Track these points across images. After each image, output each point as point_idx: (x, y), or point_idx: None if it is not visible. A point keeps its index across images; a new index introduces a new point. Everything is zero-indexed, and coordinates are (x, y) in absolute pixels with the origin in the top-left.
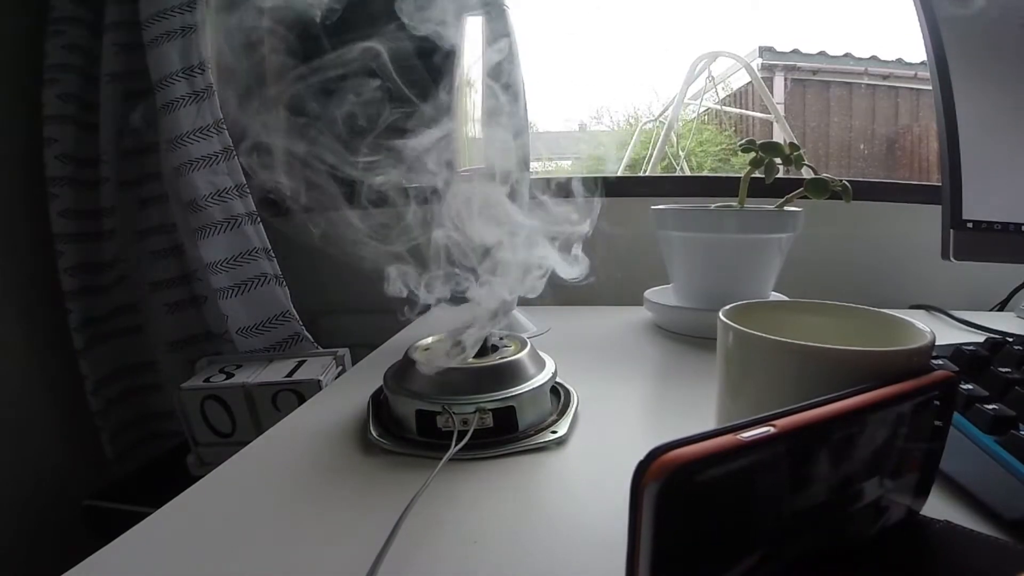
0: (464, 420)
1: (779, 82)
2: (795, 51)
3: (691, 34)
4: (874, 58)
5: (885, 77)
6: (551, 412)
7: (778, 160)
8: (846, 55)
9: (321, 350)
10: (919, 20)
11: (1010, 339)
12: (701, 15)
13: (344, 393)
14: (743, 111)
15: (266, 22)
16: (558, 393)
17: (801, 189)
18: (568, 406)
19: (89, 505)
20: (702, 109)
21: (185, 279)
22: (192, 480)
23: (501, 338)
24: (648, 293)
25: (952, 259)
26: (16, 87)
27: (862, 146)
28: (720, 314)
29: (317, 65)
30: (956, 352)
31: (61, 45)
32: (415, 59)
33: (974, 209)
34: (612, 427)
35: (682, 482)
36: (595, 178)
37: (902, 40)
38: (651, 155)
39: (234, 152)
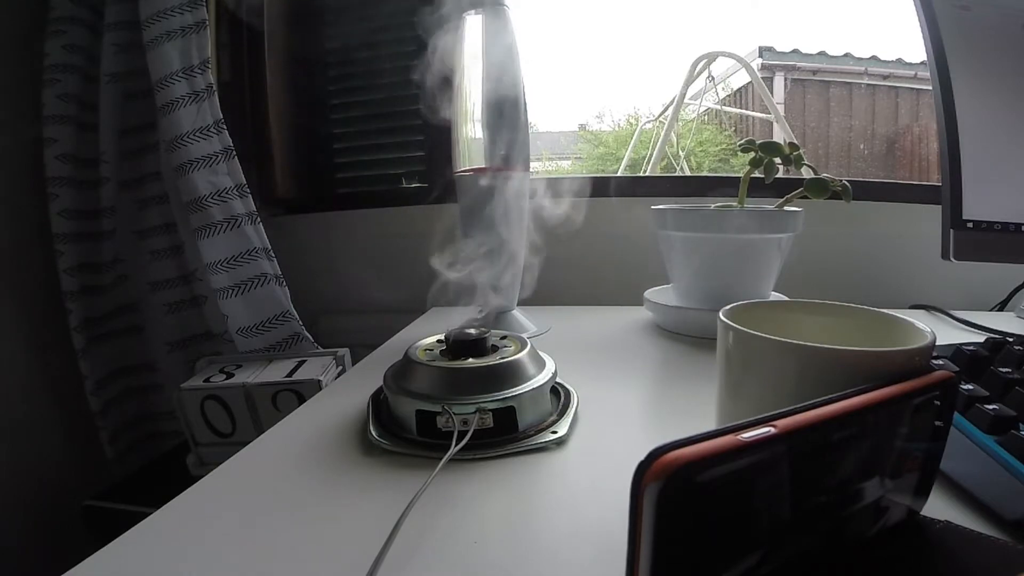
0: (464, 420)
1: (779, 82)
2: (795, 51)
3: (691, 34)
4: (874, 58)
5: (885, 77)
6: (551, 412)
7: (778, 160)
8: (846, 55)
9: (321, 350)
10: (919, 20)
11: (1010, 339)
12: (701, 15)
13: (344, 393)
14: (743, 111)
15: None
16: (558, 393)
17: (801, 189)
18: (568, 406)
19: (89, 505)
20: (702, 109)
21: (185, 279)
22: (192, 480)
23: (502, 338)
24: (648, 293)
25: (952, 259)
26: (16, 87)
27: (862, 146)
28: (720, 314)
29: None
30: (956, 352)
31: (61, 45)
32: None
33: (974, 209)
34: (612, 427)
35: (682, 483)
36: (595, 178)
37: (902, 40)
38: (651, 155)
39: (234, 152)
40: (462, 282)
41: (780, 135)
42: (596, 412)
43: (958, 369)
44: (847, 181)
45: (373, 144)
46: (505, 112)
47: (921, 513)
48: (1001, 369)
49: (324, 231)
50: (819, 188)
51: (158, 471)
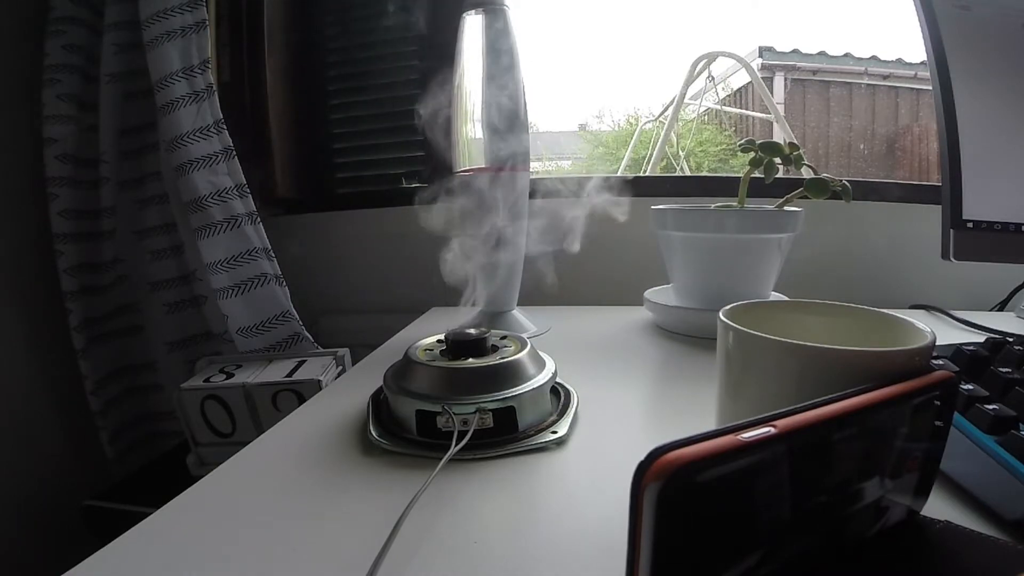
0: (464, 420)
1: (779, 82)
2: (795, 51)
3: (691, 34)
4: (874, 58)
5: (885, 77)
6: (551, 412)
7: (778, 160)
8: (846, 55)
9: (321, 350)
10: (919, 20)
11: (1010, 339)
12: (701, 15)
13: (344, 393)
14: (743, 111)
15: None
16: (558, 393)
17: (801, 189)
18: (568, 406)
19: (89, 505)
20: (702, 109)
21: (185, 279)
22: (192, 480)
23: (502, 338)
24: (648, 293)
25: (952, 259)
26: (16, 87)
27: (862, 146)
28: (720, 314)
29: None
30: (956, 352)
31: (61, 45)
32: None
33: (974, 209)
34: (612, 427)
35: (682, 483)
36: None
37: (902, 40)
38: (651, 155)
39: (234, 152)
40: (462, 282)
41: (780, 135)
42: (596, 412)
43: (958, 369)
44: (847, 181)
45: (373, 144)
46: (505, 112)
47: (921, 513)
48: (1001, 369)
49: (324, 231)
50: (819, 188)
51: (158, 471)
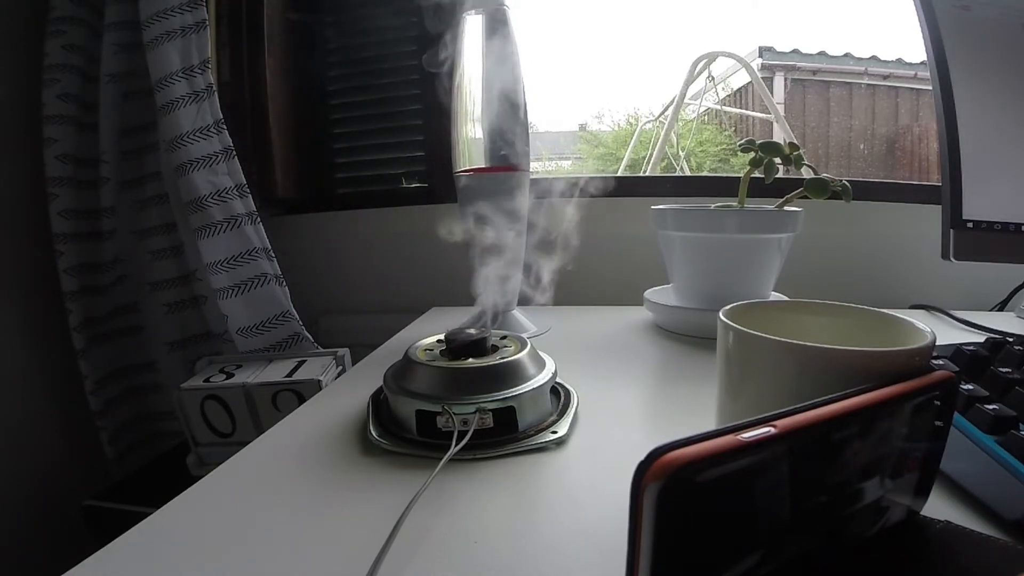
0: (464, 420)
1: (779, 82)
2: (795, 51)
3: (691, 34)
4: (874, 58)
5: (885, 77)
6: (551, 412)
7: (778, 160)
8: (846, 55)
9: (321, 350)
10: (919, 20)
11: (1010, 339)
12: (701, 15)
13: (344, 393)
14: (743, 111)
15: None
16: (558, 393)
17: (801, 189)
18: (568, 406)
19: (89, 505)
20: (702, 109)
21: (185, 279)
22: (192, 480)
23: (502, 338)
24: (648, 293)
25: (952, 259)
26: (16, 87)
27: (862, 146)
28: (720, 314)
29: None
30: (956, 352)
31: (61, 45)
32: None
33: (974, 209)
34: (612, 427)
35: (682, 482)
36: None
37: (902, 40)
38: (651, 155)
39: (234, 152)
40: (462, 282)
41: (780, 135)
42: (596, 412)
43: (958, 369)
44: (847, 181)
45: (373, 144)
46: (505, 112)
47: (921, 513)
48: (1001, 369)
49: (324, 231)
50: (819, 188)
51: (158, 471)
